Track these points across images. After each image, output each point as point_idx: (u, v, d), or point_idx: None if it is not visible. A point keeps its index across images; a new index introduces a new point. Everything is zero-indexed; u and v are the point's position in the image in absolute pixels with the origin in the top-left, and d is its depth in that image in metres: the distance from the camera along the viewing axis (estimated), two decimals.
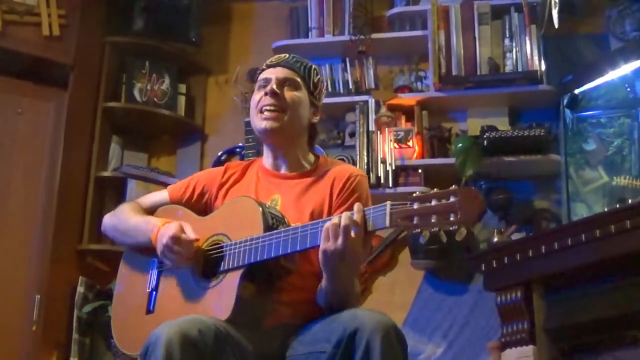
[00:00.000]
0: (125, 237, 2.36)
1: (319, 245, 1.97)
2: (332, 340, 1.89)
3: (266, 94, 2.27)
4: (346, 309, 2.03)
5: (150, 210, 2.39)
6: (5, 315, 3.64)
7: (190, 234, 2.13)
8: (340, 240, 1.90)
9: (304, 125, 2.33)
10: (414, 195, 1.85)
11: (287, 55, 2.38)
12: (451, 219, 1.77)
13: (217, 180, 2.37)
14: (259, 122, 2.28)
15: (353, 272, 2.04)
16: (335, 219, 1.93)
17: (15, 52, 3.89)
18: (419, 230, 1.81)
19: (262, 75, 2.33)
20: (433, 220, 1.79)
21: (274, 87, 2.27)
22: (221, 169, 2.42)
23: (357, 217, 1.91)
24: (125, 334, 2.28)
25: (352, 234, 1.90)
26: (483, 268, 3.44)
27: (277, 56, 2.38)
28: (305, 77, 2.33)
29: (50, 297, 3.75)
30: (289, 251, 2.00)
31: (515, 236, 3.74)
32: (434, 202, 1.81)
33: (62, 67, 4.00)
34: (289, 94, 2.28)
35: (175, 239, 2.11)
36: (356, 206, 1.94)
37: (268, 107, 2.26)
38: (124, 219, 2.35)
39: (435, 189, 1.83)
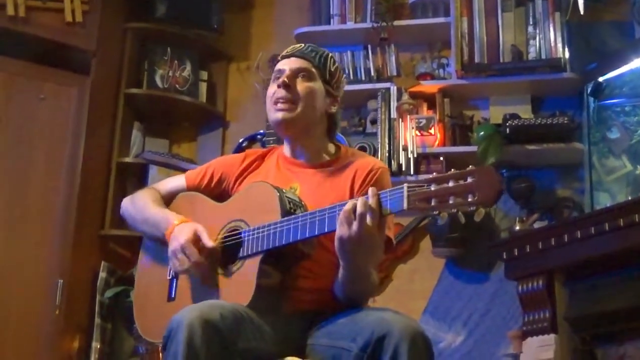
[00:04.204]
0: (142, 226, 2.35)
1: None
2: (359, 342, 1.88)
3: (279, 86, 2.25)
4: (364, 300, 2.08)
5: (169, 198, 2.39)
6: (29, 299, 3.67)
7: (206, 241, 2.11)
8: (355, 226, 1.88)
9: (318, 115, 2.29)
10: (431, 176, 1.83)
11: (303, 45, 2.35)
12: (469, 199, 1.75)
13: (236, 167, 2.36)
14: (273, 114, 2.27)
15: (369, 260, 2.02)
16: (349, 205, 1.91)
17: (37, 38, 3.90)
18: (437, 212, 1.80)
19: (277, 67, 2.32)
20: (451, 202, 1.77)
21: (286, 79, 2.25)
22: (240, 155, 2.41)
23: (372, 201, 1.89)
24: (147, 322, 2.29)
25: (368, 219, 1.87)
26: (504, 256, 3.43)
27: (292, 46, 2.36)
28: (320, 66, 2.31)
29: (72, 282, 3.77)
30: (307, 235, 1.98)
31: (537, 225, 3.71)
32: (451, 183, 1.79)
33: (84, 53, 4.01)
34: (302, 85, 2.26)
35: (185, 247, 2.09)
36: (370, 190, 1.91)
37: (281, 99, 2.25)
38: (141, 208, 2.34)
39: (452, 169, 1.82)
